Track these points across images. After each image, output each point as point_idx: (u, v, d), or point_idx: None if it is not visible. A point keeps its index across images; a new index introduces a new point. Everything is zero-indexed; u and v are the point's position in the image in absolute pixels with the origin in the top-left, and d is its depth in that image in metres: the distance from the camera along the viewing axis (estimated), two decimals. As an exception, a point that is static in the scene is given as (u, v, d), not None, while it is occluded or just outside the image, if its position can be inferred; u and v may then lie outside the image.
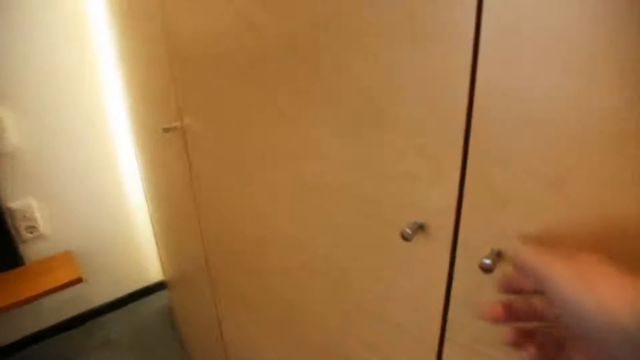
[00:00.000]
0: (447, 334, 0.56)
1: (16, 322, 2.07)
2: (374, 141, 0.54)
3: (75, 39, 1.85)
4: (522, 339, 0.39)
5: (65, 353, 2.07)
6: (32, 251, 2.00)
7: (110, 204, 2.16)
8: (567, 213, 0.38)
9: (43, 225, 2.00)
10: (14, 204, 1.90)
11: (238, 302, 1.05)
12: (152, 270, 2.44)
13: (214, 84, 0.80)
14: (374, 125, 0.53)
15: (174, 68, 0.88)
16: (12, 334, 2.09)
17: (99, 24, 1.87)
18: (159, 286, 2.49)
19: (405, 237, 0.52)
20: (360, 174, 0.58)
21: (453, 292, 0.53)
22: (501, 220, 0.44)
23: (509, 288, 0.40)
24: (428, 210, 0.52)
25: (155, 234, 2.05)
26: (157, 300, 2.43)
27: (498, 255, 0.45)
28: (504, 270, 0.44)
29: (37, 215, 1.97)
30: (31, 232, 1.98)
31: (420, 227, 0.53)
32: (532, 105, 0.38)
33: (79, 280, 1.82)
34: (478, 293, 0.49)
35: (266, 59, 0.65)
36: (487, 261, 0.43)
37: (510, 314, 0.39)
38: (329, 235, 0.67)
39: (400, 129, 0.50)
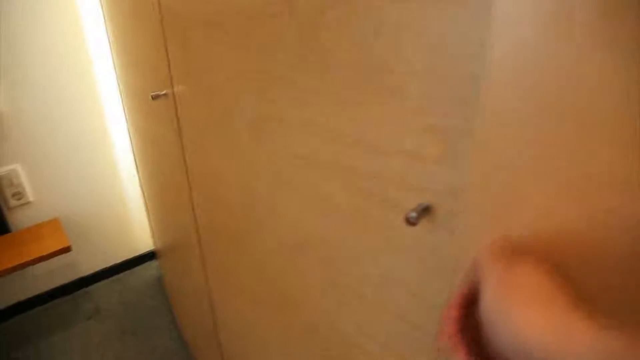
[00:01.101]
0: (449, 323, 0.53)
1: (3, 290, 2.04)
2: (375, 113, 0.50)
3: (64, 5, 1.76)
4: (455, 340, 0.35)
5: (55, 322, 2.06)
6: (19, 218, 1.96)
7: (100, 172, 2.10)
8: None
9: (30, 192, 1.96)
10: (1, 170, 1.85)
11: (228, 276, 1.03)
12: (142, 239, 2.41)
13: (205, 51, 0.74)
14: (377, 94, 0.49)
15: (166, 34, 0.83)
16: (-1, 301, 2.07)
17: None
18: (149, 256, 2.46)
19: (409, 221, 0.48)
20: (359, 150, 0.53)
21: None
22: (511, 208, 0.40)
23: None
24: (434, 192, 0.48)
25: (146, 203, 2.00)
26: (147, 270, 2.41)
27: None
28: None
29: (24, 181, 1.92)
30: (18, 199, 1.93)
31: (426, 210, 0.49)
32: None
33: (67, 249, 1.79)
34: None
35: (260, 22, 0.60)
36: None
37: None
38: (325, 215, 0.63)
39: (407, 99, 0.46)
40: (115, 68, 1.56)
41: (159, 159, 1.23)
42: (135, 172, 2.13)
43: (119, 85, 1.61)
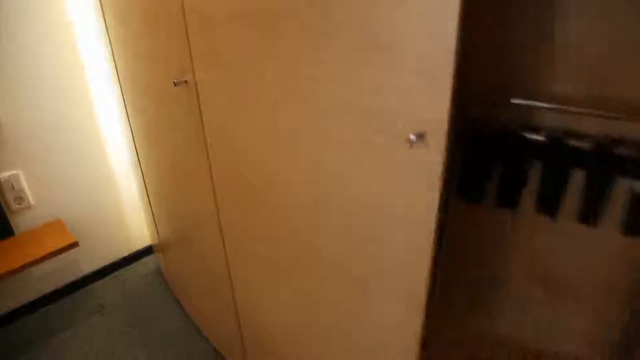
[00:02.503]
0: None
1: (9, 293, 2.13)
2: (377, 64, 0.69)
3: (56, 15, 1.89)
4: None
5: (61, 321, 2.15)
6: (22, 222, 2.06)
7: (96, 174, 2.22)
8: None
9: (31, 196, 2.05)
10: (1, 176, 1.95)
11: (247, 244, 1.19)
12: (139, 236, 2.53)
13: (229, 40, 0.91)
14: (380, 51, 0.68)
15: (188, 28, 0.99)
16: (3, 305, 2.14)
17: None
18: (146, 251, 2.59)
19: (410, 143, 0.67)
20: (368, 94, 0.72)
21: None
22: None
23: None
24: (425, 121, 0.67)
25: (146, 198, 2.13)
26: (145, 265, 2.53)
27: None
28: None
29: (25, 186, 2.02)
30: (20, 203, 2.03)
31: (421, 136, 0.68)
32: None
33: (74, 245, 1.90)
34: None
35: (281, 15, 0.78)
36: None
37: None
38: (339, 156, 0.82)
39: (402, 53, 0.65)
40: (116, 68, 1.69)
41: (174, 146, 1.38)
42: (133, 170, 2.25)
43: (119, 84, 1.75)
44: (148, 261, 2.57)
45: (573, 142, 1.24)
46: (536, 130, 1.30)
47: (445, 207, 1.23)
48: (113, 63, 1.72)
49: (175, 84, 1.08)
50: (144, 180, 1.97)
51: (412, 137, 0.67)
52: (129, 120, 1.81)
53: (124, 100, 1.75)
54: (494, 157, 1.42)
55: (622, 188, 1.28)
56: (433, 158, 0.69)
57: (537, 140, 1.28)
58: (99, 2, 1.62)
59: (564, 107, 1.26)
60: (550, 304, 1.63)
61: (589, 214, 1.35)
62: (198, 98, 1.07)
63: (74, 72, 2.01)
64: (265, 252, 1.13)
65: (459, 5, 0.56)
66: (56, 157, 2.08)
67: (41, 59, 1.92)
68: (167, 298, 2.25)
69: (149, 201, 2.02)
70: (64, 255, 1.98)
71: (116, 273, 2.47)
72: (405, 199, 0.76)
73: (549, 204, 1.40)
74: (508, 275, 1.66)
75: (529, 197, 1.45)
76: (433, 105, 0.66)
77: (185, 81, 1.08)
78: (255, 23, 0.84)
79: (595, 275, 1.50)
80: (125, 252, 2.51)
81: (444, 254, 1.53)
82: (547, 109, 1.29)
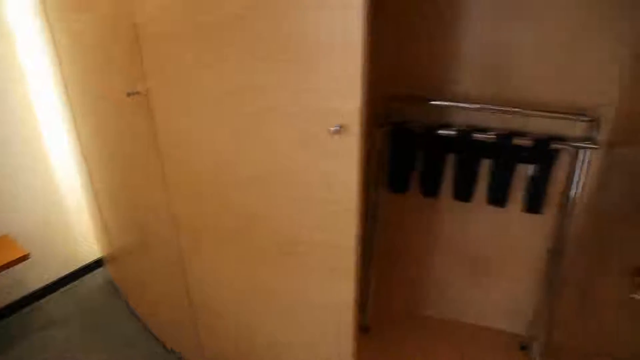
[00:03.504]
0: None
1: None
2: (300, 71, 0.86)
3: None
4: None
5: (13, 334, 2.15)
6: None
7: (41, 191, 2.24)
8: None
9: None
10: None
11: (200, 239, 1.32)
12: (87, 250, 2.56)
13: (172, 50, 1.06)
14: (301, 61, 0.85)
15: (141, 45, 1.12)
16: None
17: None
18: (95, 264, 2.61)
19: (334, 132, 0.85)
20: (296, 96, 0.89)
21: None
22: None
23: None
24: (344, 114, 0.85)
25: (96, 210, 2.18)
26: (96, 277, 2.56)
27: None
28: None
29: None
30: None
31: (343, 126, 0.86)
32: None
33: (25, 257, 1.93)
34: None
35: (219, 25, 0.94)
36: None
37: None
38: (274, 149, 0.98)
39: (325, 66, 0.82)
40: (65, 86, 1.77)
41: (128, 153, 1.48)
42: (82, 183, 2.29)
43: (68, 98, 1.82)
44: (99, 273, 2.60)
45: (478, 136, 1.47)
46: (449, 126, 1.52)
47: (376, 198, 1.43)
48: (61, 78, 1.79)
49: (128, 95, 1.20)
50: (94, 192, 2.03)
51: (333, 128, 0.84)
52: (78, 135, 1.88)
53: (72, 114, 1.82)
54: (415, 152, 1.63)
55: (522, 173, 1.52)
56: (351, 145, 0.87)
57: (449, 136, 1.50)
58: (44, 16, 1.70)
59: (471, 105, 1.49)
60: (472, 282, 1.86)
61: (497, 197, 1.58)
62: (151, 106, 1.20)
63: (16, 87, 2.04)
64: (216, 234, 1.27)
65: (363, 24, 0.74)
66: (1, 174, 2.09)
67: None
68: (121, 307, 2.29)
69: (100, 213, 2.08)
70: (13, 271, 1.99)
71: (67, 286, 2.48)
72: (331, 177, 0.93)
73: (463, 191, 1.63)
74: (433, 257, 1.87)
75: (447, 185, 1.67)
76: (348, 102, 0.83)
77: (138, 92, 1.20)
78: (199, 35, 0.99)
79: (510, 251, 1.75)
80: (75, 266, 2.52)
81: (376, 241, 1.73)
82: (458, 107, 1.52)
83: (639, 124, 1.15)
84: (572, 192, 1.47)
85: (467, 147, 1.55)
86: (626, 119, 1.29)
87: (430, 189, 1.70)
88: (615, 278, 1.32)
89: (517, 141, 1.47)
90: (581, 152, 1.42)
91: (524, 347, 1.86)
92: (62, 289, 2.48)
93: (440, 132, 1.54)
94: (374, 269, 1.89)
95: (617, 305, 1.12)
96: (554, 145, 1.42)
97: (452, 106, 1.58)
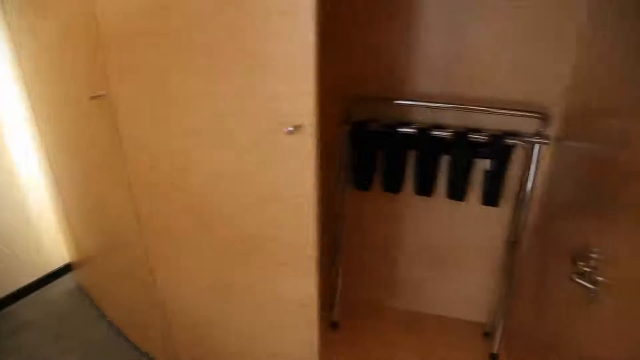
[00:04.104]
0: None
1: None
2: (261, 78, 0.89)
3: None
4: None
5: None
6: None
7: (8, 198, 2.21)
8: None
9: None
10: None
11: (165, 235, 1.34)
12: (55, 255, 2.53)
13: (135, 53, 1.08)
14: (263, 70, 0.88)
15: (100, 42, 1.14)
16: None
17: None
18: (64, 269, 2.59)
19: (289, 133, 0.88)
20: (253, 99, 0.93)
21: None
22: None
23: None
24: (301, 115, 0.89)
25: (63, 217, 2.17)
26: (65, 282, 2.53)
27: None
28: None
29: None
30: None
31: (299, 126, 0.89)
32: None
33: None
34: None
35: (178, 31, 0.97)
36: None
37: None
38: (235, 149, 1.01)
39: (279, 69, 0.86)
40: (28, 91, 1.76)
41: (93, 157, 1.49)
42: (48, 191, 2.27)
43: (31, 105, 1.80)
44: (68, 278, 2.58)
45: (436, 133, 1.53)
46: (410, 125, 1.57)
47: (341, 195, 1.47)
48: (24, 83, 1.78)
49: (91, 98, 1.21)
50: (61, 198, 2.02)
51: (288, 129, 0.88)
52: (43, 140, 1.86)
53: (36, 119, 1.81)
54: (377, 150, 1.69)
55: (479, 168, 1.59)
56: (307, 144, 0.91)
57: (408, 133, 1.56)
58: (5, 20, 1.68)
59: (429, 103, 1.55)
60: (436, 274, 1.93)
61: (456, 192, 1.65)
62: (113, 109, 1.21)
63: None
64: (180, 234, 1.29)
65: (313, 28, 0.78)
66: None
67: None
68: (92, 312, 2.28)
69: (68, 218, 2.07)
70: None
71: (36, 292, 2.46)
72: (289, 175, 0.97)
73: (424, 187, 1.69)
74: (399, 251, 1.93)
75: (409, 182, 1.72)
76: (304, 104, 0.87)
77: (100, 95, 1.21)
78: (159, 41, 1.01)
79: (471, 243, 1.82)
80: (44, 272, 2.50)
81: (343, 238, 1.78)
82: (418, 106, 1.58)
83: (585, 120, 1.23)
84: (527, 185, 1.55)
85: (426, 144, 1.61)
86: (573, 115, 1.37)
87: (392, 186, 1.76)
88: (564, 266, 1.39)
89: (473, 137, 1.53)
90: (534, 147, 1.49)
91: (487, 334, 1.94)
92: (30, 295, 2.45)
93: (399, 130, 1.59)
94: (342, 265, 1.94)
95: (562, 290, 1.19)
96: (508, 141, 1.49)
97: (412, 105, 1.64)
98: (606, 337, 0.91)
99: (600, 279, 0.94)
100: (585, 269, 0.99)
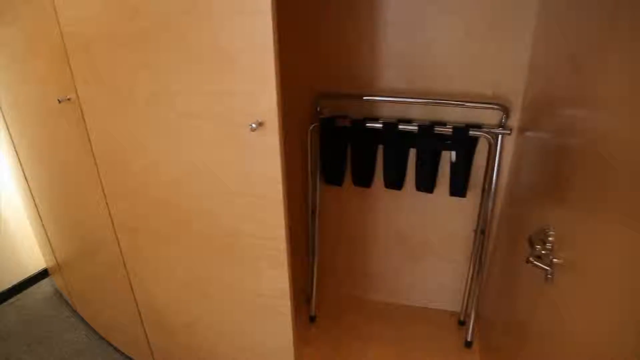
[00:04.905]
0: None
1: None
2: (225, 77, 0.92)
3: None
4: None
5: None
6: None
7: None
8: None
9: None
10: None
11: (139, 234, 1.35)
12: (31, 260, 2.51)
13: (101, 54, 1.09)
14: (226, 69, 0.91)
15: (67, 45, 1.14)
16: None
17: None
18: (41, 275, 2.57)
19: (252, 129, 0.91)
20: (219, 98, 0.95)
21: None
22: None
23: None
24: (263, 112, 0.91)
25: (39, 221, 2.15)
26: (41, 288, 2.51)
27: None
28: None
29: None
30: None
31: (261, 124, 0.92)
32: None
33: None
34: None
35: (146, 34, 0.98)
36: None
37: None
38: (202, 147, 1.03)
39: (241, 68, 0.89)
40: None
41: (64, 159, 1.49)
42: (21, 195, 2.25)
43: (1, 111, 1.79)
44: (45, 283, 2.56)
45: (402, 127, 1.57)
46: (378, 119, 1.61)
47: (314, 190, 1.50)
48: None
49: (59, 102, 1.22)
50: (35, 202, 2.01)
51: (253, 125, 0.91)
52: (14, 145, 1.85)
53: (6, 124, 1.80)
54: (346, 145, 1.72)
55: (446, 160, 1.64)
56: (272, 141, 0.94)
57: (375, 128, 1.60)
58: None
59: (395, 98, 1.59)
60: (410, 265, 1.98)
61: (424, 184, 1.69)
62: (82, 111, 1.22)
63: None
64: (154, 233, 1.30)
65: (272, 28, 0.81)
66: None
67: None
68: (70, 316, 2.27)
69: (43, 223, 2.06)
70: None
71: (13, 299, 2.43)
72: (256, 172, 0.99)
73: (393, 180, 1.73)
74: (373, 244, 1.97)
75: (379, 175, 1.77)
76: (266, 101, 0.90)
77: (69, 98, 1.22)
78: (124, 42, 1.03)
79: (442, 234, 1.87)
80: (20, 278, 2.47)
81: (318, 232, 1.81)
82: (385, 101, 1.62)
83: (541, 109, 1.28)
84: (492, 175, 1.60)
85: (393, 139, 1.65)
86: (531, 105, 1.42)
87: (362, 180, 1.80)
88: (524, 249, 1.45)
89: (438, 130, 1.58)
90: (498, 137, 1.55)
91: (462, 323, 2.00)
92: (7, 302, 2.42)
93: (367, 125, 1.63)
94: (317, 259, 1.97)
95: (522, 273, 1.25)
96: (472, 133, 1.54)
97: (378, 100, 1.68)
98: (562, 316, 0.96)
99: (555, 260, 0.99)
100: (542, 251, 1.04)
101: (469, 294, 1.91)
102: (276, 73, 0.88)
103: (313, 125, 1.71)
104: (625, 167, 0.67)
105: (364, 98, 1.66)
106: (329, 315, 2.05)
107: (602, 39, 0.83)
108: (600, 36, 0.84)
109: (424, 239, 1.94)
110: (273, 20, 0.83)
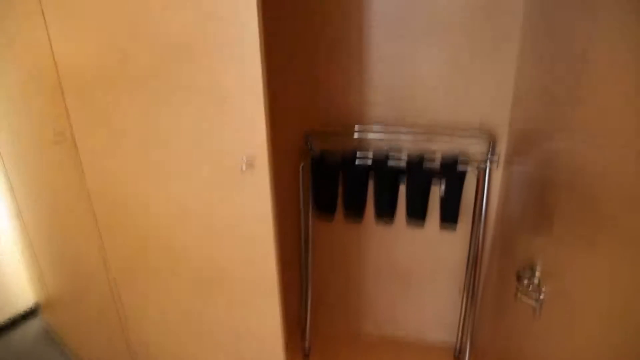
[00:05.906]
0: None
1: None
2: (214, 119, 0.95)
3: None
4: None
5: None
6: None
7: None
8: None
9: None
10: None
11: (133, 271, 1.36)
12: (22, 298, 2.48)
13: (95, 95, 1.12)
14: (215, 110, 0.94)
15: (63, 86, 1.18)
16: None
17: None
18: (31, 312, 2.54)
19: (242, 170, 0.93)
20: (210, 138, 0.98)
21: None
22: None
23: None
24: (252, 155, 0.94)
25: (32, 257, 2.15)
26: (31, 326, 2.48)
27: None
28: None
29: None
30: None
31: (250, 164, 0.94)
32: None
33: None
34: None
35: (135, 77, 1.02)
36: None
37: None
38: (193, 188, 1.06)
39: (231, 110, 0.91)
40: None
41: (59, 198, 1.50)
42: (13, 232, 2.25)
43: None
44: (36, 321, 2.52)
45: (392, 163, 1.59)
46: (367, 153, 1.64)
47: (306, 225, 1.52)
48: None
49: (55, 140, 1.24)
50: (29, 239, 2.01)
51: (243, 167, 0.93)
52: (10, 183, 1.87)
53: (3, 162, 1.82)
54: (336, 181, 1.74)
55: (436, 192, 1.66)
56: (262, 179, 0.96)
57: (364, 164, 1.62)
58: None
59: (384, 133, 1.62)
60: (404, 297, 1.98)
61: (415, 217, 1.71)
62: (77, 150, 1.25)
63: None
64: (147, 271, 1.31)
65: (262, 71, 0.84)
66: None
67: None
68: (60, 355, 2.24)
69: (36, 260, 2.05)
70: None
71: (2, 337, 2.40)
72: (247, 210, 1.01)
73: (384, 214, 1.75)
74: (366, 277, 1.97)
75: (370, 209, 1.78)
76: (255, 143, 0.93)
77: (63, 137, 1.25)
78: (116, 83, 1.06)
79: (434, 266, 1.88)
80: (10, 314, 2.44)
81: (311, 266, 1.82)
82: (375, 135, 1.65)
83: (525, 141, 1.31)
84: (481, 207, 1.62)
85: (383, 175, 1.67)
86: (517, 137, 1.45)
87: (353, 215, 1.81)
88: (513, 283, 1.46)
89: (427, 164, 1.60)
90: (486, 169, 1.57)
91: (457, 355, 1.98)
92: (-4, 340, 2.39)
93: (356, 162, 1.66)
94: (311, 294, 1.97)
95: (511, 308, 1.26)
96: (460, 166, 1.57)
97: (369, 138, 1.71)
98: (548, 351, 0.97)
99: (542, 296, 1.00)
100: (530, 286, 1.05)
101: (464, 325, 1.90)
102: (265, 115, 0.90)
103: (303, 164, 1.74)
104: (604, 197, 0.69)
105: (355, 135, 1.70)
106: (323, 350, 2.03)
107: (574, 72, 0.86)
108: (574, 69, 0.87)
109: (418, 270, 1.95)
110: (262, 66, 0.86)
